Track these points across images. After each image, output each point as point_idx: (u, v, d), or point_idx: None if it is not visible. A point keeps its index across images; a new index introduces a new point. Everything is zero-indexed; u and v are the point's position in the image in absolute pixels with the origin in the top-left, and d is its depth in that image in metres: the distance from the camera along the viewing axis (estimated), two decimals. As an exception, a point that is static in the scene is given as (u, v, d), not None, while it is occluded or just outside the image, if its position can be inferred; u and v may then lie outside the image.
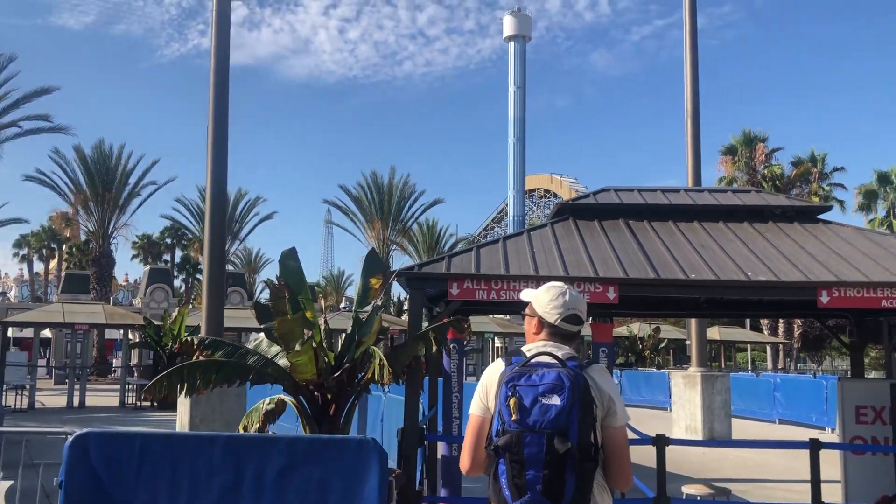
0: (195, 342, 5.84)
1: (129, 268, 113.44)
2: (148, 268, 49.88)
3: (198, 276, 69.93)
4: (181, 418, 11.63)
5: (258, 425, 6.01)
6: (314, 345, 5.44)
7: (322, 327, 5.86)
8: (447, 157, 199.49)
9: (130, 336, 29.86)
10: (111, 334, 42.59)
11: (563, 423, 2.59)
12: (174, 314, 25.14)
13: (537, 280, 6.26)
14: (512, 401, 2.65)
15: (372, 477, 5.24)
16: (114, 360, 45.68)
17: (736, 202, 8.17)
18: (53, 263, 67.36)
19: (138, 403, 23.63)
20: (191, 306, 39.22)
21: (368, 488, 5.24)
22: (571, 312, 2.97)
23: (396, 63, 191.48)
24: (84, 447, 5.40)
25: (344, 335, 6.18)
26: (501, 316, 32.68)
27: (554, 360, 2.76)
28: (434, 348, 5.84)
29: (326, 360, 5.67)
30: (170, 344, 23.66)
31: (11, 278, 77.42)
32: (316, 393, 5.84)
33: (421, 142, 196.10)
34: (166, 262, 63.80)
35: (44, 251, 67.05)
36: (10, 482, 9.32)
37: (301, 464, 5.31)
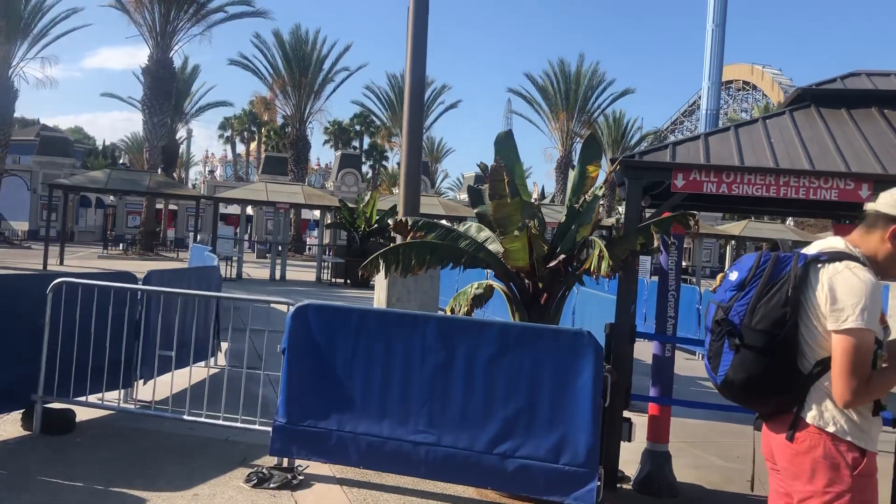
0: (409, 223, 5.79)
1: (320, 152, 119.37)
2: (340, 153, 52.08)
3: (384, 162, 72.35)
4: (378, 296, 11.99)
5: (466, 309, 5.96)
6: (533, 231, 5.20)
7: (538, 214, 5.62)
8: (636, 45, 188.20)
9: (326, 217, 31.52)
10: (305, 214, 45.41)
11: (727, 298, 2.67)
12: (367, 198, 26.10)
13: (776, 173, 5.61)
14: (719, 276, 2.85)
15: (586, 370, 5.04)
16: (307, 239, 48.83)
17: None
18: (253, 146, 72.14)
19: (333, 280, 25.14)
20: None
21: (582, 381, 5.05)
22: None
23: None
24: (305, 317, 5.59)
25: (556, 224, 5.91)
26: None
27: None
28: (655, 243, 5.44)
29: (545, 248, 5.43)
30: (363, 226, 24.70)
31: (217, 158, 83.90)
32: (527, 281, 5.66)
33: (609, 27, 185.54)
34: (355, 148, 66.30)
35: (245, 133, 71.83)
36: (229, 344, 10.16)
37: (512, 350, 5.21)
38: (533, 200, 6.00)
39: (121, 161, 74.74)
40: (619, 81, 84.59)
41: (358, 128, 67.81)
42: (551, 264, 5.44)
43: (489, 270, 6.49)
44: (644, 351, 7.39)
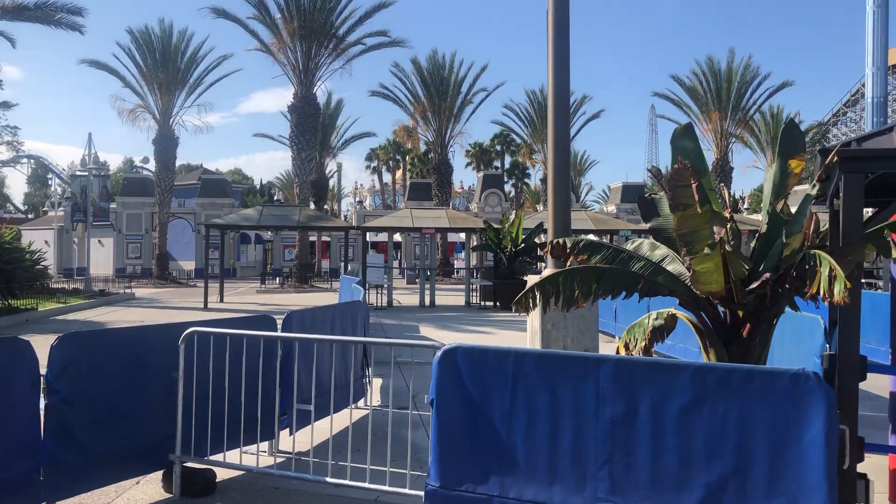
0: (568, 245, 4.87)
1: (462, 175, 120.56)
2: (482, 174, 51.77)
3: (525, 180, 71.53)
4: (532, 323, 11.14)
5: (643, 344, 4.94)
6: (726, 248, 4.14)
7: (730, 225, 4.53)
8: (788, 34, 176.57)
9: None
10: (452, 237, 45.33)
11: None
12: (511, 217, 25.31)
13: None
14: None
15: (815, 422, 3.91)
16: (455, 262, 48.71)
17: None
18: (399, 174, 73.48)
19: (482, 303, 24.46)
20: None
21: (810, 437, 3.92)
22: None
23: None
24: (453, 361, 4.78)
25: (755, 236, 4.79)
26: None
27: None
28: (894, 253, 4.22)
29: (745, 267, 4.33)
30: (509, 246, 23.92)
31: (366, 189, 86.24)
32: (723, 309, 4.58)
33: (755, 18, 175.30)
34: (496, 168, 65.94)
35: (390, 162, 73.33)
36: (382, 379, 9.61)
37: (713, 399, 4.15)
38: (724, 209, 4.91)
39: (275, 198, 78.41)
40: (774, 75, 79.15)
41: (499, 147, 67.44)
42: (753, 287, 4.33)
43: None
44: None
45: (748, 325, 4.51)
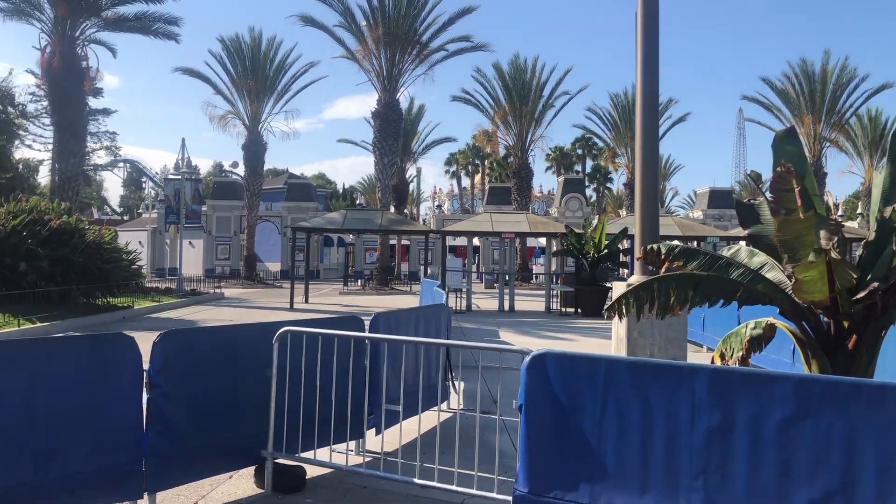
0: (662, 251, 4.77)
1: (542, 179, 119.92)
2: (563, 178, 51.36)
3: (608, 185, 70.60)
4: (617, 331, 10.95)
5: (740, 354, 4.79)
6: (832, 255, 3.98)
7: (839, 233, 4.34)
8: (886, 33, 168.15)
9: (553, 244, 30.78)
10: (530, 242, 45.11)
11: None
12: (594, 222, 25.00)
13: None
14: None
15: (929, 444, 3.73)
16: (533, 267, 48.43)
17: None
18: (478, 178, 73.61)
19: (562, 309, 24.23)
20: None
21: (923, 459, 3.74)
22: None
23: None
24: (542, 367, 4.76)
25: (861, 245, 4.58)
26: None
27: None
28: None
29: (852, 276, 4.15)
30: (591, 252, 23.62)
31: (444, 193, 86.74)
32: (826, 319, 4.40)
33: (850, 16, 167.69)
34: (577, 172, 65.27)
35: (469, 167, 73.54)
36: (464, 383, 9.63)
37: (816, 412, 3.99)
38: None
39: (357, 202, 79.80)
40: (873, 76, 75.51)
41: (580, 151, 66.74)
42: (860, 296, 4.14)
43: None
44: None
45: (854, 336, 4.31)
